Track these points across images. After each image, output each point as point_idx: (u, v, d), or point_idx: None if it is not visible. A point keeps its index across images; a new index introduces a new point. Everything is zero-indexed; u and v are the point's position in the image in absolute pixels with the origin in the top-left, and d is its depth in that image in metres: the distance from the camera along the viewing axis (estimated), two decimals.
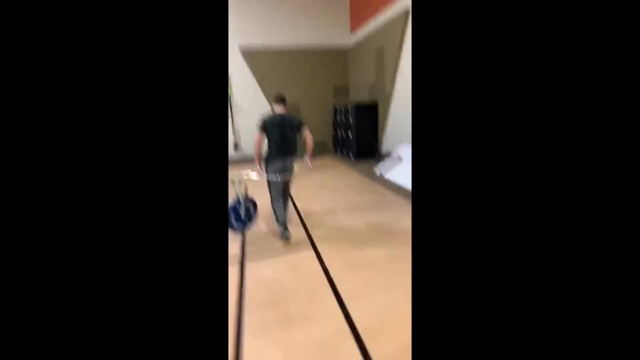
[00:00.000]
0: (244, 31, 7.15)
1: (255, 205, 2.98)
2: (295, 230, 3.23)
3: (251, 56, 7.33)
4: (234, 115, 7.50)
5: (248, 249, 2.88)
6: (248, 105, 7.55)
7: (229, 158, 7.67)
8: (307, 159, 3.07)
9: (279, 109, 2.94)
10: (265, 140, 2.88)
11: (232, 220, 2.81)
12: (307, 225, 3.42)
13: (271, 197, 3.01)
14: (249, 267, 2.57)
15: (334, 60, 7.97)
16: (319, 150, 8.44)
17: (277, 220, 3.06)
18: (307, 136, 2.94)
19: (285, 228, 3.01)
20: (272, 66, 7.55)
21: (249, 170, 3.00)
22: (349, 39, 7.90)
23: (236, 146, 7.69)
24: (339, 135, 7.77)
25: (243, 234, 3.08)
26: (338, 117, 7.68)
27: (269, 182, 2.93)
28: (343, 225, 3.41)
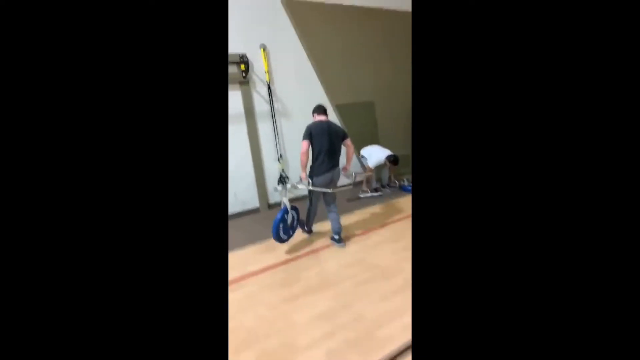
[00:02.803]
0: None
1: (297, 212, 2.89)
2: None
3: (302, 19, 4.05)
4: (276, 122, 4.04)
5: None
6: (300, 107, 4.20)
7: (269, 202, 4.14)
8: (350, 172, 3.02)
9: (320, 120, 2.73)
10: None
11: (282, 232, 2.76)
12: None
13: (311, 204, 2.92)
14: None
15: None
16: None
17: (306, 223, 3.03)
18: (350, 147, 2.77)
19: (310, 231, 3.10)
20: (332, 41, 4.34)
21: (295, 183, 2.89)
22: None
23: (282, 180, 4.17)
24: None
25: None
26: None
27: (310, 191, 2.79)
28: None
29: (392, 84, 4.96)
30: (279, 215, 2.70)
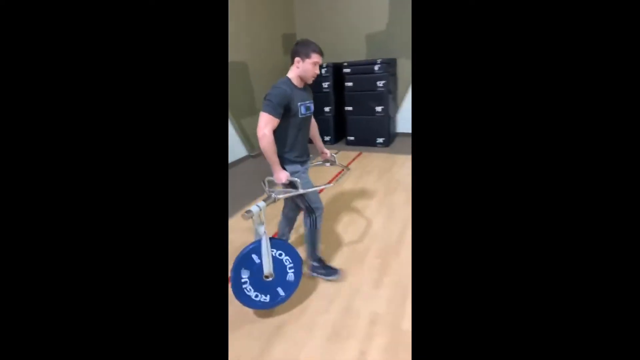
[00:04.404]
0: None
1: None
2: None
3: None
4: None
5: None
6: None
7: None
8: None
9: None
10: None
11: (253, 293, 1.51)
12: None
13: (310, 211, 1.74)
14: None
15: None
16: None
17: (316, 251, 1.84)
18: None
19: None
20: None
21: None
22: None
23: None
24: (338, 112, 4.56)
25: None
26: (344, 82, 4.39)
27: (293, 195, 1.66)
28: None
29: (268, 43, 4.12)
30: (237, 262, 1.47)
